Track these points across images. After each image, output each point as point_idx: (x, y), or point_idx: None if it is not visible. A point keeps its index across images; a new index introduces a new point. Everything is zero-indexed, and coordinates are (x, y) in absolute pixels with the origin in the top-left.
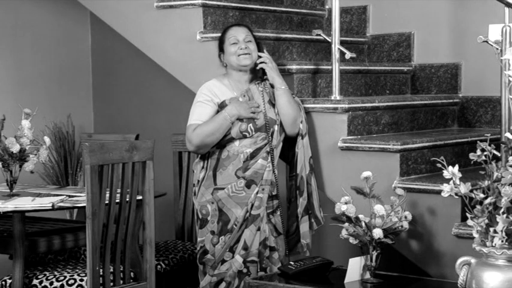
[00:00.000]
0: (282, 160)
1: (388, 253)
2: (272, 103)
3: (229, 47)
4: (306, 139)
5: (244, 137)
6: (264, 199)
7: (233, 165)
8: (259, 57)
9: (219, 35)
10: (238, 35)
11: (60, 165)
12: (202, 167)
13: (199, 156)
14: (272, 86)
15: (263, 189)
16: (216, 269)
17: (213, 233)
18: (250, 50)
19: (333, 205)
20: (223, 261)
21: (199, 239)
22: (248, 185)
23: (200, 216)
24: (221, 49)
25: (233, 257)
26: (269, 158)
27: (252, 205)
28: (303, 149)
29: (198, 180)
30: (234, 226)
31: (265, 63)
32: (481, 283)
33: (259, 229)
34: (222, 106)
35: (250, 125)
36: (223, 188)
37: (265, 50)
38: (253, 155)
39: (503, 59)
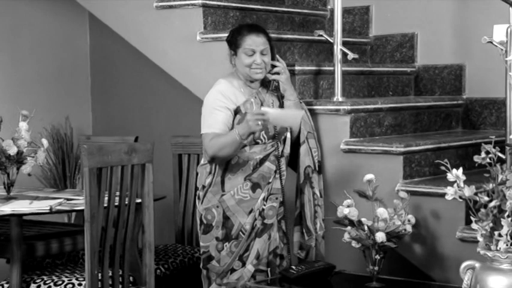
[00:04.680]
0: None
1: (391, 257)
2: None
3: (244, 57)
4: (303, 147)
5: (257, 143)
6: (277, 208)
7: (243, 171)
8: (273, 66)
9: (220, 35)
10: (256, 46)
11: (58, 168)
12: (210, 172)
13: (205, 159)
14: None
15: (276, 198)
16: (225, 277)
17: (217, 239)
18: (265, 63)
19: (335, 208)
20: (232, 270)
21: (202, 244)
22: (253, 188)
23: (205, 222)
24: (233, 50)
25: (244, 266)
26: (277, 163)
27: (260, 213)
28: (299, 157)
29: (204, 186)
30: (241, 234)
31: (279, 73)
32: (486, 287)
33: (269, 237)
34: (237, 111)
35: (263, 132)
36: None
37: (278, 58)
38: (262, 162)
39: (508, 60)
